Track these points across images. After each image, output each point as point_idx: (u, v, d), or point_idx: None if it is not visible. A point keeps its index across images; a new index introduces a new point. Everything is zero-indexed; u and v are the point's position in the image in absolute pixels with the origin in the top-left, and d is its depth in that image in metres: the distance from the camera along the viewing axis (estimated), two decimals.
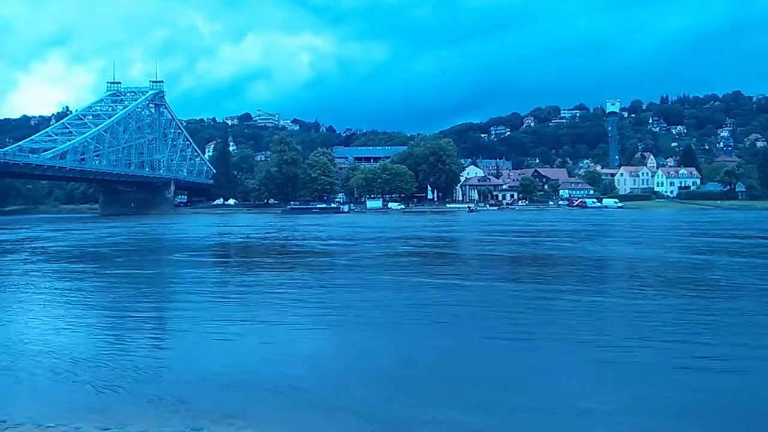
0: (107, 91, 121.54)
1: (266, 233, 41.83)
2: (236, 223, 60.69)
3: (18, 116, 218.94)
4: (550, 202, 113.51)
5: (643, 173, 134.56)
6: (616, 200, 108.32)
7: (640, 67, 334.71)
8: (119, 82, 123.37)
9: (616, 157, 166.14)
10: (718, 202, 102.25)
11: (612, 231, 41.00)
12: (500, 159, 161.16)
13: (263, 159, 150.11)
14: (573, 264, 21.08)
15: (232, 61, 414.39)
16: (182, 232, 43.90)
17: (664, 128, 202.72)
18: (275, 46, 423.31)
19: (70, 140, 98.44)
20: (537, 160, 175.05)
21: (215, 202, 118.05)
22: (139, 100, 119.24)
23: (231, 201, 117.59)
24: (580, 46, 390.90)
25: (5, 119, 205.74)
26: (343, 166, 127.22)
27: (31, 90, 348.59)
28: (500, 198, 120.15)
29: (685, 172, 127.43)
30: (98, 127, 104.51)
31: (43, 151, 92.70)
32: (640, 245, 29.29)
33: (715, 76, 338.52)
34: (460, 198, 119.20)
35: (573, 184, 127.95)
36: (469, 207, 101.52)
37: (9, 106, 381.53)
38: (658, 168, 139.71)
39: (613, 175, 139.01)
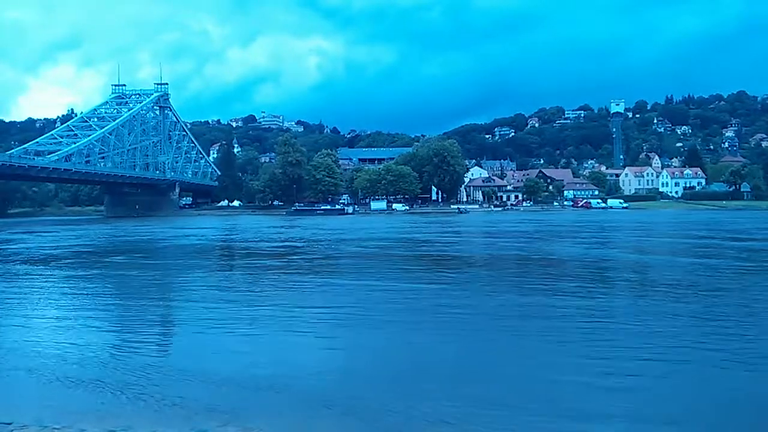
0: (112, 93, 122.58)
1: (253, 235, 42.31)
2: (230, 224, 61.20)
3: (24, 119, 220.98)
4: (555, 203, 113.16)
5: (647, 174, 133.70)
6: (621, 201, 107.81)
7: (644, 68, 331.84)
8: (124, 85, 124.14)
9: (621, 157, 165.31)
10: (723, 202, 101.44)
11: (583, 232, 40.82)
12: (505, 160, 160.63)
13: (268, 161, 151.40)
14: (509, 264, 21.26)
15: (240, 63, 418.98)
16: (154, 234, 44.43)
17: (668, 128, 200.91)
18: (284, 49, 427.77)
19: (75, 143, 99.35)
20: (541, 161, 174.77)
21: (220, 204, 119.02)
22: (144, 102, 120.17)
23: (236, 203, 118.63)
24: (586, 48, 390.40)
25: (10, 122, 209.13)
26: (348, 167, 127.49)
27: (40, 93, 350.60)
28: (505, 199, 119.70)
29: (690, 172, 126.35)
30: (103, 130, 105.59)
31: (48, 154, 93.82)
32: (598, 246, 29.26)
33: (720, 76, 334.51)
34: (465, 199, 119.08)
35: (578, 185, 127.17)
36: (458, 209, 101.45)
37: (18, 109, 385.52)
38: (662, 168, 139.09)
39: (617, 175, 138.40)
